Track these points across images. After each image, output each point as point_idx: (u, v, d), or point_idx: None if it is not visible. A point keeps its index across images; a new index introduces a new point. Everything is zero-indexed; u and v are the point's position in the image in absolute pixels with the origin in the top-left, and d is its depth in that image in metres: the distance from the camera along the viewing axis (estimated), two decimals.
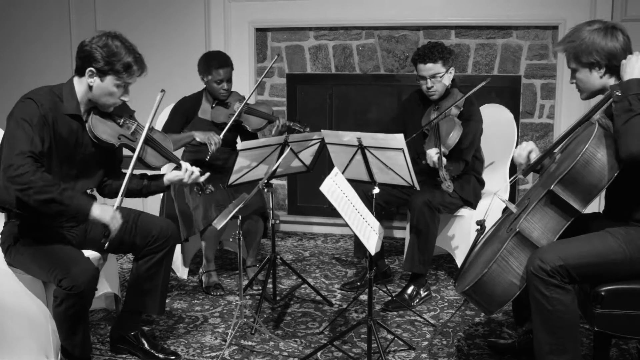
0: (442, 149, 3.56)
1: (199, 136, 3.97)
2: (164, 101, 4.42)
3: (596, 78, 2.71)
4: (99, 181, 3.13)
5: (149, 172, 3.23)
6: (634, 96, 2.50)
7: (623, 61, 2.64)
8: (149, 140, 3.09)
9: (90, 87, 2.88)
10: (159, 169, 3.23)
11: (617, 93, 2.55)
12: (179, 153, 4.32)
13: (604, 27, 2.68)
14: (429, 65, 3.79)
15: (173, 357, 3.21)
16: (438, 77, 3.81)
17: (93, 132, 2.95)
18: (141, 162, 3.09)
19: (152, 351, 3.21)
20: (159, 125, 4.19)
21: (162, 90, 3.01)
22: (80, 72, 2.89)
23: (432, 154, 3.53)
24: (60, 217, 2.97)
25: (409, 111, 4.12)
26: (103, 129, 2.98)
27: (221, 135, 3.96)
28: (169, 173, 3.19)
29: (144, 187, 3.17)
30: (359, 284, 4.13)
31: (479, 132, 3.94)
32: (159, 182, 3.18)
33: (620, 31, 2.69)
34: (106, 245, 2.88)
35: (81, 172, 3.00)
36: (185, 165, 3.16)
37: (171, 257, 3.22)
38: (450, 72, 3.87)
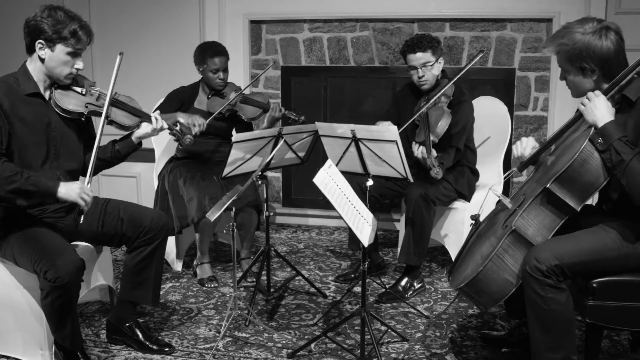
0: (432, 138, 3.58)
1: (182, 117, 3.95)
2: (160, 88, 4.40)
3: (588, 82, 2.63)
4: (82, 158, 3.12)
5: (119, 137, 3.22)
6: (618, 142, 2.43)
7: (581, 106, 2.56)
8: (115, 102, 3.09)
9: (42, 61, 2.89)
10: (132, 128, 3.17)
11: (599, 141, 2.48)
12: (165, 139, 4.31)
13: (598, 29, 2.57)
14: (419, 54, 3.82)
15: (167, 349, 3.22)
16: (429, 65, 3.84)
17: (59, 105, 2.96)
18: (114, 124, 3.10)
19: (147, 342, 3.22)
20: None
21: (121, 53, 2.99)
22: (30, 50, 2.91)
23: (415, 148, 3.55)
24: (43, 205, 2.99)
25: (401, 103, 4.14)
26: (68, 101, 2.98)
27: (207, 120, 3.94)
28: (137, 130, 3.17)
29: (115, 152, 3.16)
30: (352, 276, 4.14)
31: (470, 120, 3.94)
32: (128, 142, 3.17)
33: (614, 32, 2.58)
34: (81, 220, 2.88)
35: (59, 152, 3.00)
36: (154, 116, 3.17)
37: (163, 248, 3.23)
38: (439, 62, 3.91)
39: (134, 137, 3.17)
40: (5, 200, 2.86)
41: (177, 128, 3.29)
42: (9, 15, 5.48)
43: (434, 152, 3.48)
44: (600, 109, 2.51)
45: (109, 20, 5.32)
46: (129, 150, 3.19)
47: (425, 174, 3.66)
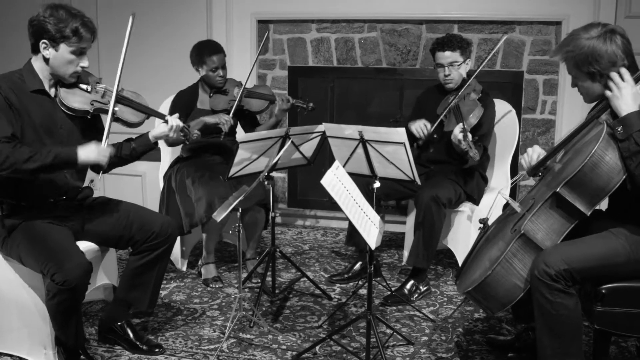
0: (464, 125, 3.60)
1: (208, 120, 4.00)
2: (166, 88, 4.38)
3: (598, 87, 2.62)
4: None
5: (134, 136, 3.21)
6: (638, 133, 2.43)
7: (609, 93, 2.55)
8: (121, 99, 3.08)
9: (47, 61, 2.89)
10: (139, 125, 3.16)
11: (619, 130, 2.47)
12: None
13: (603, 33, 2.56)
14: (447, 53, 3.88)
15: (157, 349, 3.21)
16: (456, 65, 3.90)
17: (65, 104, 2.96)
18: (120, 121, 3.09)
19: (137, 342, 3.21)
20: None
21: (133, 14, 2.99)
22: (35, 49, 2.91)
23: (457, 131, 3.55)
24: (53, 198, 2.99)
25: (424, 103, 4.16)
26: (73, 99, 2.98)
27: (230, 114, 4.04)
28: (153, 129, 3.17)
29: (132, 149, 3.14)
30: (346, 275, 4.13)
31: (493, 123, 3.99)
32: (145, 140, 3.15)
33: (620, 35, 2.57)
34: (100, 175, 2.93)
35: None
36: (170, 119, 3.15)
37: (168, 255, 3.21)
38: (467, 63, 3.96)
39: (151, 136, 3.15)
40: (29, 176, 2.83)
41: (185, 126, 3.27)
42: (13, 13, 5.48)
43: (469, 135, 3.49)
44: (625, 97, 2.51)
45: (115, 20, 5.30)
46: (145, 148, 3.16)
47: (437, 169, 3.65)
